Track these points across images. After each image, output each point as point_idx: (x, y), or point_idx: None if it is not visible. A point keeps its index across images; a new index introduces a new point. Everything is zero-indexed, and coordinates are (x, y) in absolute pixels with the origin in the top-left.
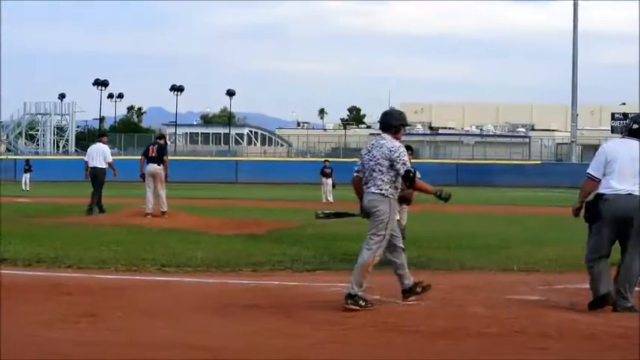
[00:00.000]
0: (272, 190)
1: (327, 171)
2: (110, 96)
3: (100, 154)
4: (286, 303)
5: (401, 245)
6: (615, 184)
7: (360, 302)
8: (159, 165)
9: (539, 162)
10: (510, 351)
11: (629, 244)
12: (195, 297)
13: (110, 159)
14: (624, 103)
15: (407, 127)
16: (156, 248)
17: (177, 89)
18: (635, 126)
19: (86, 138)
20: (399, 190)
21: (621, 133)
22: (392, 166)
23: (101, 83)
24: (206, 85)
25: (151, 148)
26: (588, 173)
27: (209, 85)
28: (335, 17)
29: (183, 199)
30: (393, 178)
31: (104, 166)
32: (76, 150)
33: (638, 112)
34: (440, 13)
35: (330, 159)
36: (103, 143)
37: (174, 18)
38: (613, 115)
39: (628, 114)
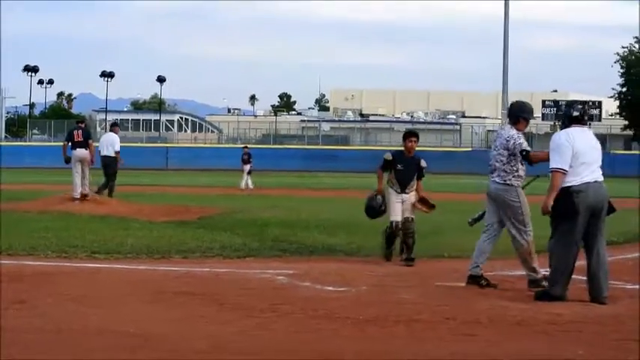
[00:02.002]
0: (203, 176)
1: (245, 157)
2: (40, 82)
3: (109, 144)
4: (216, 290)
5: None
6: (584, 174)
7: (543, 283)
8: (85, 149)
9: (469, 149)
10: (440, 337)
11: (599, 232)
12: (125, 284)
13: (118, 148)
14: (555, 90)
15: (531, 120)
16: (86, 235)
17: (107, 75)
18: (575, 113)
19: (16, 124)
20: (522, 178)
21: (559, 121)
22: (511, 155)
23: (31, 69)
24: (136, 72)
25: (75, 132)
26: (558, 168)
27: (139, 72)
28: (264, 2)
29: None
30: (515, 167)
31: (113, 155)
32: (5, 136)
33: (568, 99)
34: None
35: (260, 145)
36: (115, 133)
37: (100, 1)
38: (544, 102)
39: (558, 101)
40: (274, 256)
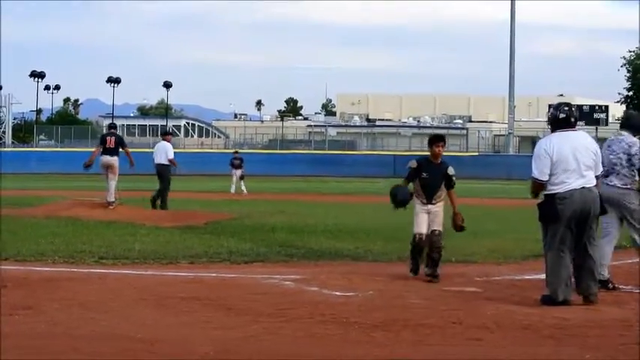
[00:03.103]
0: (209, 181)
1: (236, 162)
2: (47, 88)
3: (163, 152)
4: (223, 295)
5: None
6: (568, 181)
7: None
8: (113, 156)
9: (476, 153)
10: (447, 342)
11: (585, 237)
12: (132, 289)
13: (172, 156)
14: (561, 95)
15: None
16: (93, 240)
17: (113, 81)
18: (562, 115)
19: (22, 130)
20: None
21: (549, 124)
22: (629, 160)
23: (38, 75)
24: (143, 77)
25: (108, 139)
26: (535, 177)
27: (146, 77)
28: (268, 7)
29: (120, 192)
30: (633, 172)
31: (167, 163)
32: (12, 142)
33: (574, 103)
34: (378, 3)
35: (267, 151)
36: (168, 142)
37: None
38: (550, 106)
39: None
40: (281, 260)
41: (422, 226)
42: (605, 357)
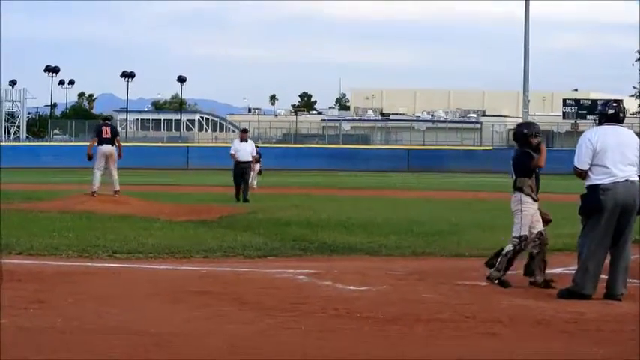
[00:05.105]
0: (223, 176)
1: (256, 156)
2: (61, 82)
3: (247, 151)
4: (237, 289)
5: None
6: (612, 173)
7: None
8: (112, 145)
9: (490, 148)
10: (461, 336)
11: (627, 231)
12: (146, 283)
13: (255, 153)
14: (576, 89)
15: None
16: (107, 235)
17: (128, 75)
18: (611, 111)
19: (37, 125)
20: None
21: (596, 120)
22: None
23: (52, 69)
24: (157, 72)
25: (104, 129)
26: (575, 166)
27: (160, 72)
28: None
29: (134, 186)
30: None
31: (251, 160)
32: (27, 137)
33: (589, 98)
34: None
35: (281, 145)
36: (245, 140)
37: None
38: (564, 101)
39: (579, 100)
40: (295, 255)
41: (540, 223)
42: (619, 352)
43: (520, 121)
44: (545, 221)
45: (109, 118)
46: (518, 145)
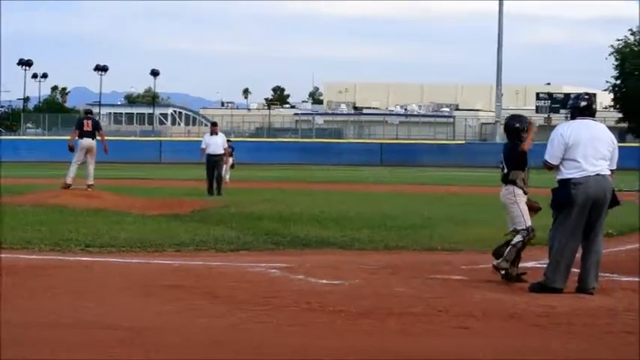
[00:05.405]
0: (196, 169)
1: (228, 149)
2: (34, 76)
3: (218, 144)
4: (210, 283)
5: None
6: (583, 167)
7: None
8: (92, 139)
9: (463, 142)
10: (433, 330)
11: (598, 225)
12: (119, 277)
13: (226, 145)
14: (549, 83)
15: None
16: (80, 228)
17: (101, 69)
18: (584, 103)
19: (10, 118)
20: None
21: (569, 113)
22: None
23: (25, 63)
24: (130, 65)
25: (85, 122)
26: (545, 160)
27: (133, 65)
28: None
29: (107, 179)
30: None
31: (223, 153)
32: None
33: (562, 92)
34: None
35: (254, 139)
36: (216, 133)
37: None
38: (538, 94)
39: (552, 94)
40: (268, 249)
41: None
42: (591, 345)
43: (493, 114)
44: (535, 209)
45: (90, 112)
46: (509, 138)
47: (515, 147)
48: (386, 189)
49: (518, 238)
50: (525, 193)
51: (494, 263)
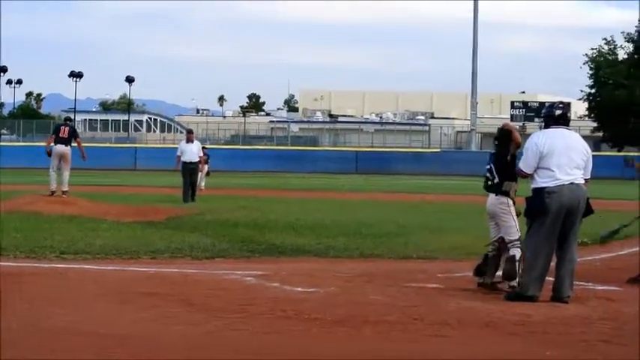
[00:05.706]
0: (171, 176)
1: (203, 157)
2: (9, 82)
3: (194, 152)
4: (185, 290)
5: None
6: (557, 176)
7: None
8: (67, 146)
9: (438, 150)
10: (409, 338)
11: (571, 234)
12: (94, 284)
13: (201, 153)
14: (524, 92)
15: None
16: (55, 235)
17: (76, 75)
18: (558, 112)
19: None
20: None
21: (543, 121)
22: None
23: (0, 69)
24: (105, 72)
25: (62, 128)
26: (520, 169)
27: (108, 72)
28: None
29: (82, 186)
30: None
31: (198, 160)
32: None
33: (537, 100)
34: (339, 0)
35: (229, 146)
36: (191, 141)
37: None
38: (512, 103)
39: (527, 102)
40: (243, 256)
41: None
42: (566, 354)
43: (469, 123)
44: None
45: (70, 119)
46: (498, 147)
47: (505, 156)
48: (361, 197)
49: (516, 252)
50: (514, 203)
51: (504, 288)
